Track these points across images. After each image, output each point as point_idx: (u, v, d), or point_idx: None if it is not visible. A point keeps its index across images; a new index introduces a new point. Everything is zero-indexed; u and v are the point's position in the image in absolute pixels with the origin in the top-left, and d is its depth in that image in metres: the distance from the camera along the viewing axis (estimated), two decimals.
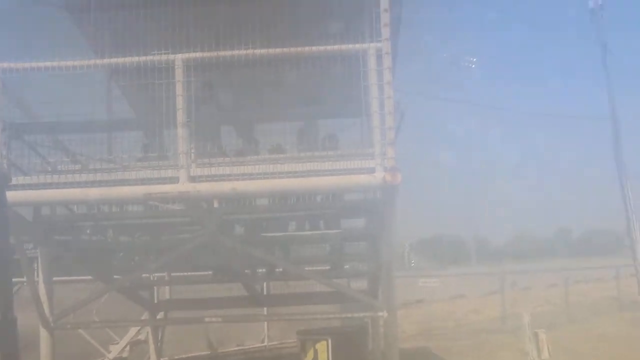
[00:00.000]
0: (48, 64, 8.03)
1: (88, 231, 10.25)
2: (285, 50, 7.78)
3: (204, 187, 7.77)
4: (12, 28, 8.21)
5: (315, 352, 11.08)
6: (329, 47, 7.77)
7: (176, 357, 15.82)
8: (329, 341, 11.04)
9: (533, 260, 57.16)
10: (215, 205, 8.81)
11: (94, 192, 7.99)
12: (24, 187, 7.72)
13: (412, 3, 10.40)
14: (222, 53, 7.73)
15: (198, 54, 7.68)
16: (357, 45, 7.66)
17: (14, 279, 6.85)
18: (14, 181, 7.00)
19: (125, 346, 14.47)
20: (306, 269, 11.19)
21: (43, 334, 9.29)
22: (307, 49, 7.74)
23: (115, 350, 14.41)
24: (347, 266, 12.05)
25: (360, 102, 7.60)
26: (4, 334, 3.80)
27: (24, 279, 9.45)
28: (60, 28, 9.73)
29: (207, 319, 12.31)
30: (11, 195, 5.66)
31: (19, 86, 8.20)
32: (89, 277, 11.68)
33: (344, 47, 7.72)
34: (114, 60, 8.24)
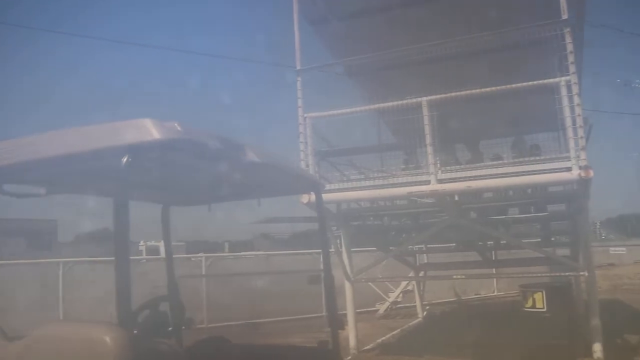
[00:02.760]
0: (340, 111, 8.47)
1: (371, 218, 10.61)
2: (498, 88, 7.51)
3: (448, 186, 7.71)
4: (315, 91, 8.73)
5: (534, 300, 10.61)
6: (530, 83, 7.35)
7: (433, 302, 15.76)
8: (544, 292, 10.52)
9: None
10: (456, 198, 8.72)
11: (373, 193, 8.27)
12: (330, 191, 8.11)
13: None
14: (453, 94, 7.64)
15: (437, 97, 7.65)
16: (552, 80, 7.17)
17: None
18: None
19: (399, 294, 14.73)
20: (523, 241, 10.68)
21: (346, 285, 9.69)
22: (512, 85, 7.39)
23: (392, 296, 14.72)
24: (553, 239, 11.30)
25: (555, 121, 7.14)
26: (328, 286, 4.05)
27: (333, 250, 10.02)
28: (345, 87, 10.27)
29: (454, 276, 12.25)
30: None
31: (323, 127, 8.72)
32: (374, 248, 12.10)
33: (542, 82, 7.27)
34: (382, 105, 8.46)
